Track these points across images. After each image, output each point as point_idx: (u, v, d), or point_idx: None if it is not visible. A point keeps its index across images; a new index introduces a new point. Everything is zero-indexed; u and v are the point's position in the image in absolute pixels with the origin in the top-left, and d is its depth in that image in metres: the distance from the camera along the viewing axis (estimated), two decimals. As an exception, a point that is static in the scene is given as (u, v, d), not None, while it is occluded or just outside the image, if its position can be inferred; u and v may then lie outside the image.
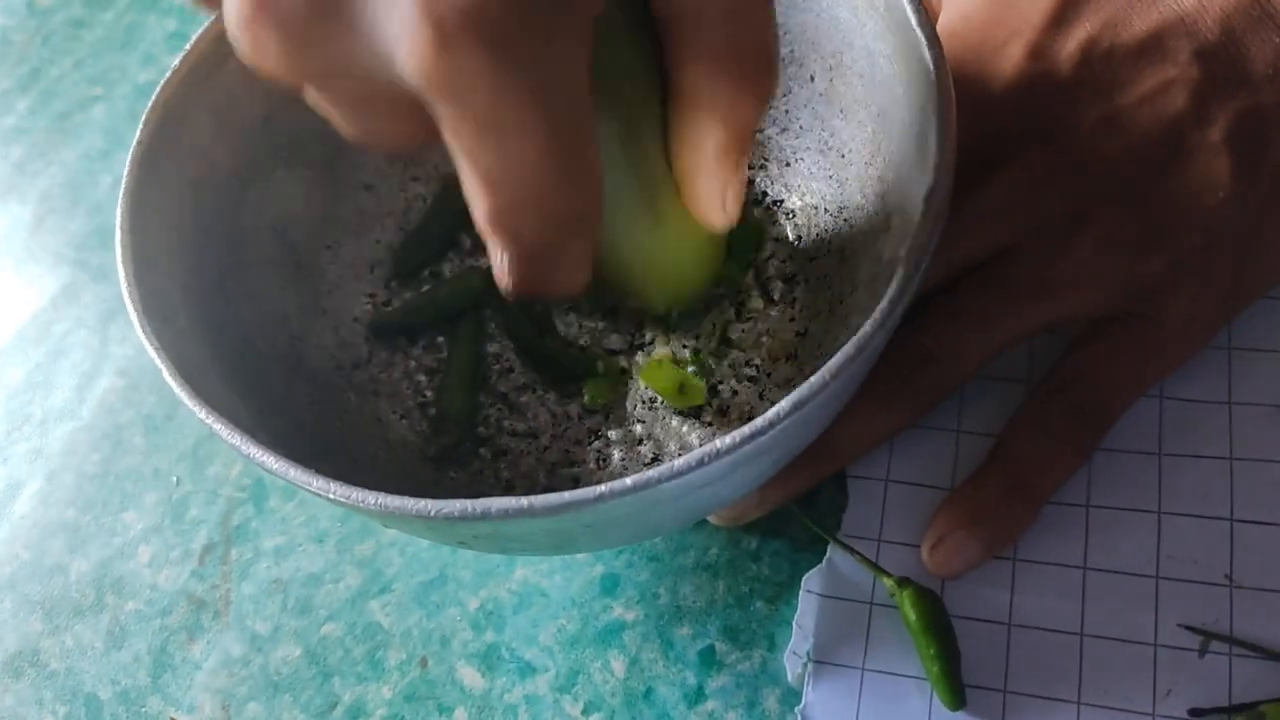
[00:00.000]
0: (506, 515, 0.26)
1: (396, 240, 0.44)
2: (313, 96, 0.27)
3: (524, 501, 0.26)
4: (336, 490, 0.27)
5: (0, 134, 0.59)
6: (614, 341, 0.41)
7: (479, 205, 0.26)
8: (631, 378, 0.40)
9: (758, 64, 0.29)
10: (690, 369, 0.39)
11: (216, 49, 0.37)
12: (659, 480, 0.26)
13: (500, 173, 0.25)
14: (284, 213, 0.41)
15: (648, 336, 0.41)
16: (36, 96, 0.60)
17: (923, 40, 0.32)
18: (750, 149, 0.31)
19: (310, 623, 0.42)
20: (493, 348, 0.42)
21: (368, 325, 0.42)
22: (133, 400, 0.49)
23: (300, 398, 0.38)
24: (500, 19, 0.23)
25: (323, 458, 0.35)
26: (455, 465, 0.39)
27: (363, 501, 0.27)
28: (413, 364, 0.41)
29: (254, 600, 0.43)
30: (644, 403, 0.40)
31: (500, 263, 0.28)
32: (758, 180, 0.42)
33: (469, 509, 0.26)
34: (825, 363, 0.27)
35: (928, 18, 0.32)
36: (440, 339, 0.42)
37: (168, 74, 0.36)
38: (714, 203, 0.31)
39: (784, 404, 0.27)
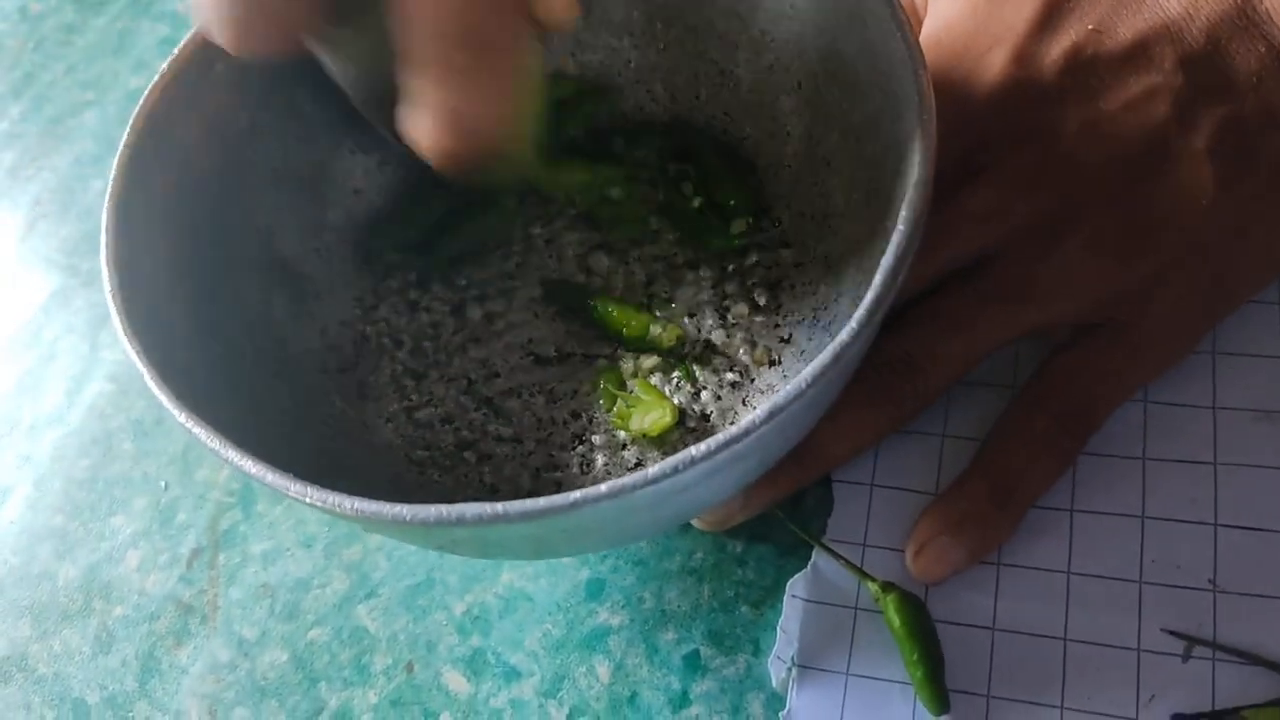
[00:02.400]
0: (481, 521, 0.26)
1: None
2: None
3: (499, 507, 0.26)
4: (314, 495, 0.27)
5: (-7, 139, 0.60)
6: (601, 347, 0.41)
7: (411, 28, 0.27)
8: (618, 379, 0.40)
9: None
10: (675, 376, 0.40)
11: (203, 55, 0.37)
12: (634, 487, 0.26)
13: None
14: (270, 217, 0.41)
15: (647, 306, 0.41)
16: (29, 101, 0.61)
17: (906, 52, 0.32)
18: None
19: (297, 628, 0.42)
20: (480, 353, 0.42)
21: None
22: (122, 405, 0.49)
23: (285, 402, 0.38)
24: None
25: (306, 462, 0.35)
26: (439, 469, 0.39)
27: (339, 506, 0.27)
28: (399, 368, 0.41)
29: (241, 605, 0.43)
30: (629, 408, 0.40)
31: (431, 110, 0.28)
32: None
33: (444, 514, 0.26)
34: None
35: (911, 29, 0.32)
36: (425, 344, 0.42)
37: (153, 80, 0.36)
38: None
39: (759, 412, 0.27)
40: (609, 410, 0.39)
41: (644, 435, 0.38)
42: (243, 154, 0.40)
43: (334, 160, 0.43)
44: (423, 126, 0.29)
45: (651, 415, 0.38)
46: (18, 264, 0.54)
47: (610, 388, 0.39)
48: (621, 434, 0.39)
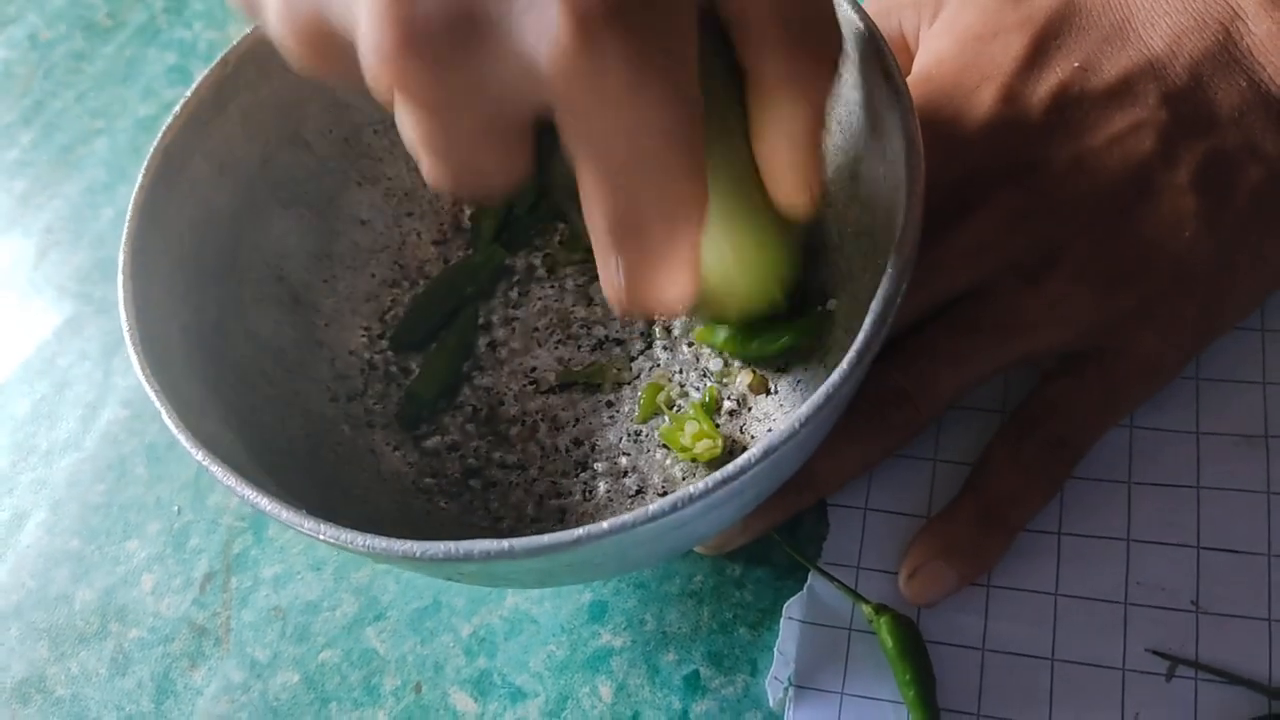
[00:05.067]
0: (489, 557, 0.27)
1: (391, 275, 0.45)
2: (419, 130, 0.27)
3: (505, 544, 0.27)
4: (326, 531, 0.28)
5: (3, 167, 0.61)
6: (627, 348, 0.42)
7: (601, 209, 0.27)
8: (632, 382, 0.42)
9: (823, 34, 0.30)
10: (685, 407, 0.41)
11: (216, 96, 0.39)
12: (634, 524, 0.27)
13: (630, 161, 0.27)
14: (281, 250, 0.42)
15: (648, 343, 0.42)
16: (39, 129, 0.62)
17: (894, 96, 0.33)
18: (825, 123, 0.32)
19: (308, 650, 0.43)
20: (485, 381, 0.43)
21: (390, 339, 0.44)
22: (135, 431, 0.50)
23: (295, 431, 0.39)
24: (634, 5, 0.25)
25: (317, 491, 0.36)
26: (446, 496, 0.40)
27: (351, 543, 0.28)
28: (406, 396, 0.43)
29: (254, 628, 0.44)
30: (629, 435, 0.41)
31: (616, 275, 0.29)
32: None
33: (453, 550, 0.27)
34: (802, 401, 0.29)
35: (900, 73, 0.33)
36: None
37: (168, 120, 0.38)
38: (800, 184, 0.32)
39: (755, 450, 0.28)
40: (643, 420, 0.41)
41: (688, 453, 0.39)
42: (253, 188, 0.41)
43: (341, 192, 0.44)
44: (607, 287, 0.30)
45: (703, 443, 0.39)
46: (31, 292, 0.56)
47: (653, 399, 0.41)
48: (623, 460, 0.40)
